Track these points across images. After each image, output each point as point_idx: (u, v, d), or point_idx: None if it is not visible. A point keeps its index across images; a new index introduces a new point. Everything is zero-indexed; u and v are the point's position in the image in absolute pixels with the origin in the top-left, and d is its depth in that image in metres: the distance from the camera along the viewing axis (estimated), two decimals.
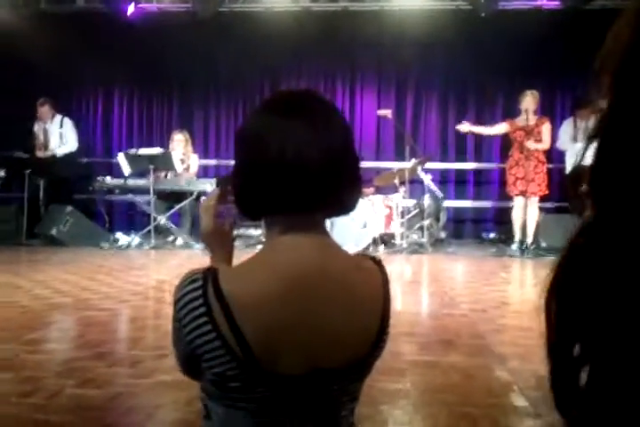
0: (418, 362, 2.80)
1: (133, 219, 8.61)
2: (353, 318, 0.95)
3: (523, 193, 7.19)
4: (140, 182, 7.33)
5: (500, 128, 7.41)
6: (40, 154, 7.81)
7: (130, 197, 7.51)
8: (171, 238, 7.55)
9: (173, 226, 7.45)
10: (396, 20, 8.21)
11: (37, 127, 7.90)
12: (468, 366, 2.74)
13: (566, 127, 7.74)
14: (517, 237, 7.25)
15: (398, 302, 4.44)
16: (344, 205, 0.97)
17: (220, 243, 1.11)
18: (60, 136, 7.91)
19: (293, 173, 0.89)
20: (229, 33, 8.30)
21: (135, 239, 7.27)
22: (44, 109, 7.82)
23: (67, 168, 7.85)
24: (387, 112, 7.67)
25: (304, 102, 0.96)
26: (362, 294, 0.97)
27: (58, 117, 7.95)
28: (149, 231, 7.17)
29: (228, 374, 0.90)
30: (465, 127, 7.41)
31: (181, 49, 8.38)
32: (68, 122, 7.99)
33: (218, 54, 8.66)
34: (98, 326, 3.55)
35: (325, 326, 0.92)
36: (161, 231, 7.48)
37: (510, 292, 5.05)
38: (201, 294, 0.89)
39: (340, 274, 0.95)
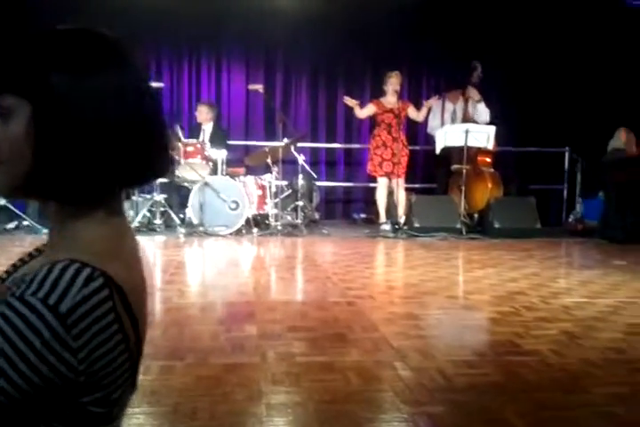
0: (312, 365, 2.46)
1: None
2: None
3: (388, 174, 7.17)
4: None
5: (369, 110, 7.28)
6: None
7: None
8: (14, 222, 6.66)
9: (13, 208, 6.52)
10: None
11: None
12: (368, 367, 2.45)
13: (435, 111, 7.76)
14: (383, 217, 7.24)
15: (280, 292, 4.10)
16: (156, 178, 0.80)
17: None
18: None
19: (143, 137, 0.73)
20: None
21: None
22: None
23: None
24: (258, 87, 7.27)
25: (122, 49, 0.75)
26: None
27: None
28: None
29: (126, 395, 0.73)
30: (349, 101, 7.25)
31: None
32: None
33: (68, 18, 7.71)
34: None
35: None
36: (1, 214, 6.57)
37: (392, 275, 4.89)
38: (108, 295, 0.66)
39: None
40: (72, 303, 0.63)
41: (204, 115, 7.36)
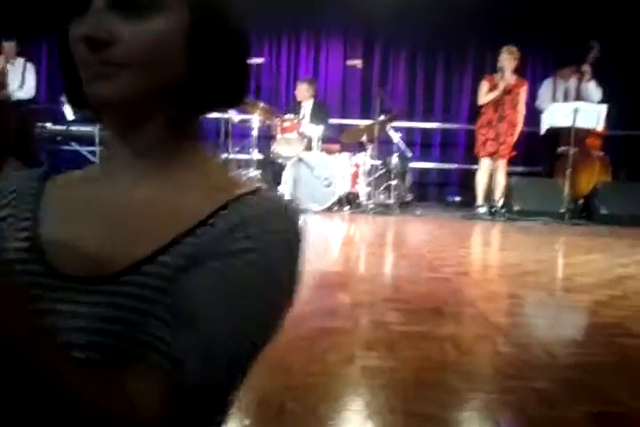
0: (406, 333, 2.39)
1: None
2: None
3: (491, 155, 6.87)
4: (85, 129, 6.66)
5: (485, 88, 6.88)
6: None
7: (74, 146, 6.84)
8: None
9: None
10: None
11: None
12: (466, 339, 2.35)
13: (547, 86, 7.40)
14: (481, 199, 6.97)
15: (372, 266, 4.04)
16: None
17: None
18: (21, 79, 7.08)
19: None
20: None
21: None
22: (10, 46, 6.99)
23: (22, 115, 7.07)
24: (357, 62, 7.19)
25: None
26: None
27: (20, 60, 7.19)
28: None
29: None
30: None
31: None
32: (31, 67, 7.26)
33: None
34: None
35: None
36: None
37: (490, 255, 4.71)
38: None
39: None
40: (299, 227, 0.66)
41: (303, 92, 7.35)
